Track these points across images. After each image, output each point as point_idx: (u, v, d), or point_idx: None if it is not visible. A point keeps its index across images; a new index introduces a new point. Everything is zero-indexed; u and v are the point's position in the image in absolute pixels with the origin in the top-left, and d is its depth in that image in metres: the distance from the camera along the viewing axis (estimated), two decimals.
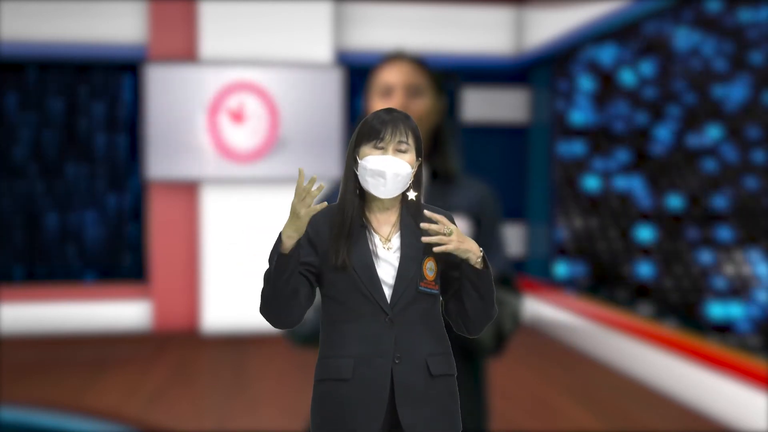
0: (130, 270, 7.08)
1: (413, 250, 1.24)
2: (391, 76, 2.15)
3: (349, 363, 1.20)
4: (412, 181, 1.26)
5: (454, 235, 1.20)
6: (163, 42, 6.75)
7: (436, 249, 1.20)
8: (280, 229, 1.20)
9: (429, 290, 1.23)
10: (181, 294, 6.83)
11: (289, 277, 1.19)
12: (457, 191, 2.14)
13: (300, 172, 1.16)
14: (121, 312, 6.86)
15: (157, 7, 6.76)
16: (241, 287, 6.60)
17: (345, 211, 1.25)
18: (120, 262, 7.08)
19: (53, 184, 6.98)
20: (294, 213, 1.17)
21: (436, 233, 1.20)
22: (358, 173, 1.25)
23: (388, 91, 2.14)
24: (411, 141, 1.25)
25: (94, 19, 6.78)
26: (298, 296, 1.20)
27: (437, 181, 2.14)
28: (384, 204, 1.27)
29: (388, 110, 1.27)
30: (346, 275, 1.21)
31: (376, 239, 1.25)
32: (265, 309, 1.22)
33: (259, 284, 1.22)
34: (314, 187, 1.17)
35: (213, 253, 6.70)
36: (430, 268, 1.24)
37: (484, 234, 2.13)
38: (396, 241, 1.26)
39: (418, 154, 1.26)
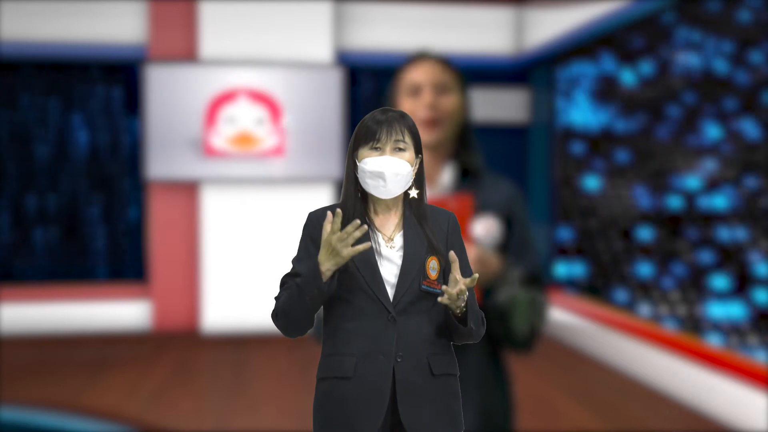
0: (130, 270, 7.07)
1: (416, 248, 1.24)
2: (419, 74, 2.15)
3: (352, 361, 1.21)
4: (414, 179, 1.26)
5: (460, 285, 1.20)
6: (163, 42, 6.74)
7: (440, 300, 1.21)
8: (315, 258, 1.20)
9: (432, 289, 1.23)
10: (181, 294, 6.83)
11: (318, 302, 1.21)
12: (486, 190, 2.15)
13: (338, 213, 1.17)
14: (121, 312, 6.86)
15: (157, 7, 6.76)
16: (241, 287, 6.59)
17: (347, 211, 1.25)
18: (120, 261, 7.07)
19: (52, 184, 6.97)
20: (335, 251, 1.17)
21: (454, 298, 1.20)
22: (358, 175, 1.25)
23: (416, 90, 2.14)
24: (408, 139, 1.25)
25: (94, 19, 6.77)
26: (315, 312, 1.24)
27: (467, 180, 2.15)
28: (386, 203, 1.27)
29: (384, 110, 1.27)
30: (349, 274, 1.21)
31: (380, 238, 1.25)
32: (283, 323, 1.24)
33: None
34: (357, 232, 1.17)
35: (213, 253, 6.69)
36: (432, 267, 1.24)
37: (517, 235, 2.15)
38: (399, 239, 1.26)
39: (417, 152, 1.26)
